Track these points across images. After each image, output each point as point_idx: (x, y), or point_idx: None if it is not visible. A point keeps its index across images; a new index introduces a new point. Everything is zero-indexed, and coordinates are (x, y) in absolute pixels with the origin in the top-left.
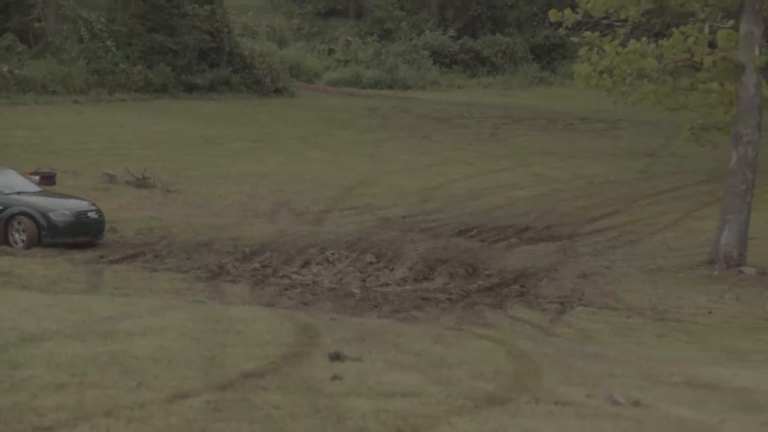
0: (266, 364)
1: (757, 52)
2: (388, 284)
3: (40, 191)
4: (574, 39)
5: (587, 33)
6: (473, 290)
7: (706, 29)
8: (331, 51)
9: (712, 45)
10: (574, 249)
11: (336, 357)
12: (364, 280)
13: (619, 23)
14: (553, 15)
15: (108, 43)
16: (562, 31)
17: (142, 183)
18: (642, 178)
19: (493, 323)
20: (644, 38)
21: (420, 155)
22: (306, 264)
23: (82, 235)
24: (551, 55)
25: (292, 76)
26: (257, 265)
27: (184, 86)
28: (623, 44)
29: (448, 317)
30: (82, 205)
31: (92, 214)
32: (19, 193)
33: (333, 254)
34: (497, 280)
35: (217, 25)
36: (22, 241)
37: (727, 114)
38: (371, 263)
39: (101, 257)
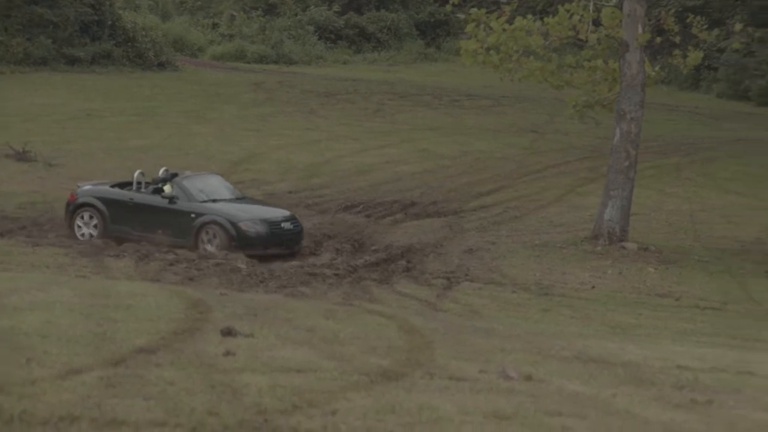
0: (158, 340)
1: (640, 30)
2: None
3: (239, 198)
4: (461, 15)
5: (474, 10)
6: (360, 266)
7: (591, 7)
8: (215, 25)
9: (596, 23)
10: (459, 225)
11: (228, 332)
12: (250, 255)
13: (505, 1)
14: None
15: None
16: (448, 8)
17: (23, 157)
18: (526, 154)
19: (380, 299)
20: (530, 16)
21: (306, 130)
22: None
23: (275, 246)
24: (436, 32)
25: (176, 51)
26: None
27: (65, 59)
28: (509, 21)
29: (336, 293)
30: (277, 214)
31: (286, 224)
32: (215, 200)
33: None
34: (384, 255)
35: None
36: (213, 252)
37: (611, 91)
38: None
39: None
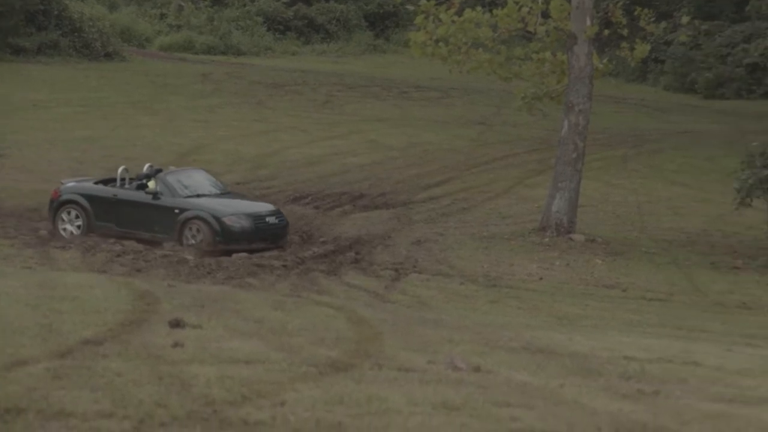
0: (105, 331)
1: (588, 22)
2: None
3: (224, 193)
4: (410, 7)
5: (423, 1)
6: (308, 257)
7: None
8: (162, 16)
9: (545, 15)
10: (408, 216)
11: (176, 324)
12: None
13: None
14: None
15: None
16: (398, 0)
17: None
18: (474, 146)
19: (328, 290)
20: (479, 8)
21: (254, 122)
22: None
23: (260, 240)
24: (385, 23)
25: (123, 41)
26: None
27: (10, 49)
28: (458, 13)
29: (284, 284)
30: (261, 208)
31: (271, 219)
32: (198, 195)
33: None
34: (332, 247)
35: None
36: (198, 247)
37: (559, 83)
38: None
39: None
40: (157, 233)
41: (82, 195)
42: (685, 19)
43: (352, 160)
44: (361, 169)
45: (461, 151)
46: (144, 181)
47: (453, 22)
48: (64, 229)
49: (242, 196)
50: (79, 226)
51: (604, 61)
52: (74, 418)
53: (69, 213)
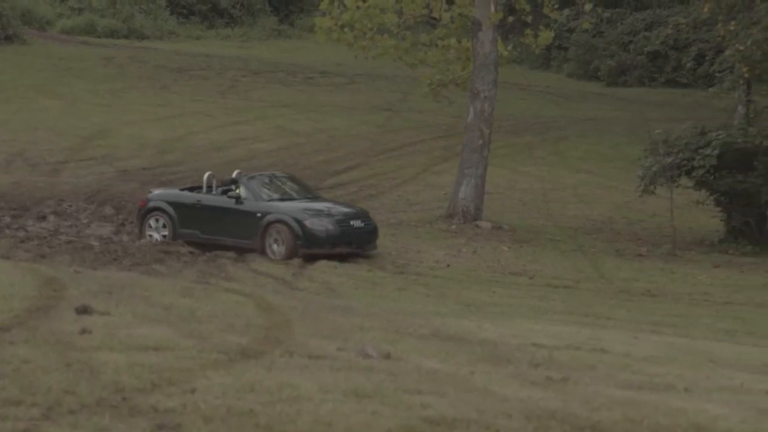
0: (11, 318)
1: (492, 8)
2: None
3: (312, 197)
4: None
5: None
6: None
7: None
8: None
9: (449, 1)
10: None
11: (83, 310)
12: (101, 235)
13: None
14: None
15: None
16: None
17: None
18: (381, 132)
19: (236, 277)
20: None
21: (159, 106)
22: (43, 216)
23: (344, 245)
24: (289, 8)
25: (24, 23)
26: None
27: None
28: None
29: (191, 271)
30: (347, 212)
31: (356, 222)
32: (282, 199)
33: (71, 206)
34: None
35: None
36: (281, 252)
37: (465, 70)
38: (111, 216)
39: None
40: (239, 239)
41: (168, 202)
42: (587, 7)
43: (258, 145)
44: (268, 155)
45: (368, 138)
46: (232, 186)
47: (358, 7)
48: (151, 236)
49: (331, 201)
50: (165, 236)
51: (509, 47)
52: None
53: (157, 221)
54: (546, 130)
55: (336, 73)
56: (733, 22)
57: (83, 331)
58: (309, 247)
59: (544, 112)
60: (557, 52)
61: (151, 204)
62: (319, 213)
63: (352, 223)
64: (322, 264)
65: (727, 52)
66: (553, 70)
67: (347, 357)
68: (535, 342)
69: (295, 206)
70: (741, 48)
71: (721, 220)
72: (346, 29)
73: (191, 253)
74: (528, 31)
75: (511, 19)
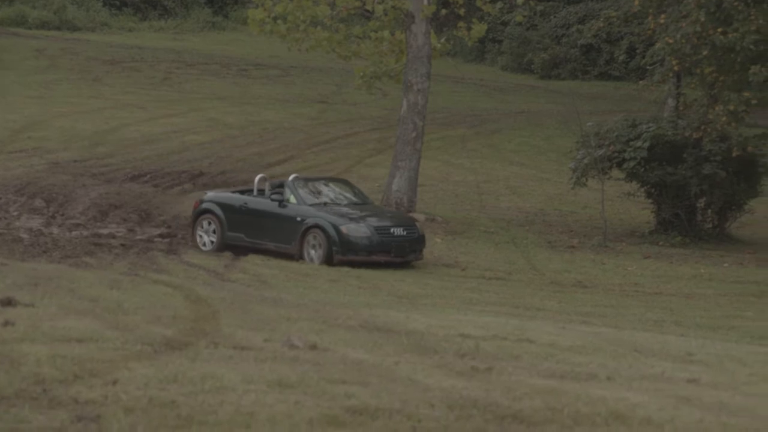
0: None
1: (425, 1)
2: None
3: (360, 203)
4: None
5: None
6: (147, 236)
7: None
8: None
9: None
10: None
11: (7, 302)
12: (31, 227)
13: None
14: None
15: None
16: None
17: None
18: (315, 124)
19: (167, 269)
20: None
21: (91, 98)
22: None
23: (381, 253)
24: (223, 0)
25: None
26: None
27: None
28: None
29: (122, 263)
30: (390, 220)
31: (398, 230)
32: (325, 204)
33: (0, 198)
34: (171, 225)
35: None
36: (318, 257)
37: (398, 63)
38: (41, 208)
39: None
40: (281, 243)
41: (218, 204)
42: (520, 0)
43: (191, 138)
44: (201, 148)
45: (302, 130)
46: (279, 190)
47: (291, 0)
48: (200, 237)
49: (379, 208)
50: (213, 240)
51: (442, 40)
52: None
53: (209, 223)
54: (479, 123)
55: (270, 65)
56: (663, 16)
57: (6, 323)
58: (344, 254)
59: (477, 105)
60: (491, 45)
61: (203, 206)
62: (357, 219)
63: (392, 231)
64: (254, 257)
65: (658, 45)
66: (487, 63)
67: (273, 348)
68: (463, 333)
69: (336, 211)
70: (671, 41)
71: (651, 212)
72: (279, 21)
73: (122, 245)
74: (461, 23)
75: (444, 11)
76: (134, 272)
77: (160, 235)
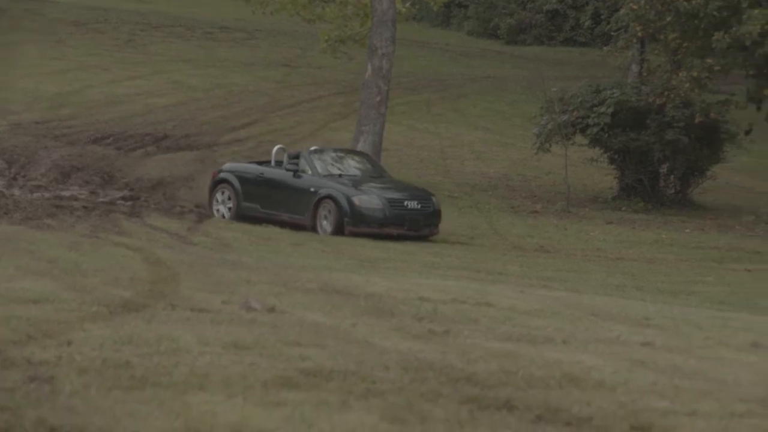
0: None
1: None
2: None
3: (376, 176)
4: None
5: None
6: (109, 198)
7: None
8: None
9: None
10: (212, 158)
11: None
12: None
13: None
14: None
15: None
16: None
17: None
18: (279, 88)
19: (129, 231)
20: None
21: (54, 60)
22: None
23: (394, 225)
24: None
25: None
26: None
27: None
28: None
29: (84, 225)
30: (405, 192)
31: (412, 203)
32: (340, 175)
33: None
34: (134, 188)
35: None
36: (329, 227)
37: (363, 26)
38: (2, 170)
39: None
40: (294, 214)
41: (235, 174)
42: None
43: (155, 100)
44: (165, 110)
45: (266, 93)
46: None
47: None
48: (218, 210)
49: (397, 181)
50: (230, 208)
51: (407, 4)
52: None
53: (223, 193)
54: (445, 88)
55: (235, 28)
56: None
57: None
58: (355, 225)
59: (443, 70)
60: (457, 10)
61: (220, 176)
62: (370, 191)
63: (406, 203)
64: (218, 219)
65: (622, 11)
66: (454, 28)
67: (231, 310)
68: (422, 296)
69: (349, 182)
70: (635, 7)
71: (614, 178)
72: None
73: (84, 207)
74: None
75: None
76: (95, 234)
77: (123, 198)
